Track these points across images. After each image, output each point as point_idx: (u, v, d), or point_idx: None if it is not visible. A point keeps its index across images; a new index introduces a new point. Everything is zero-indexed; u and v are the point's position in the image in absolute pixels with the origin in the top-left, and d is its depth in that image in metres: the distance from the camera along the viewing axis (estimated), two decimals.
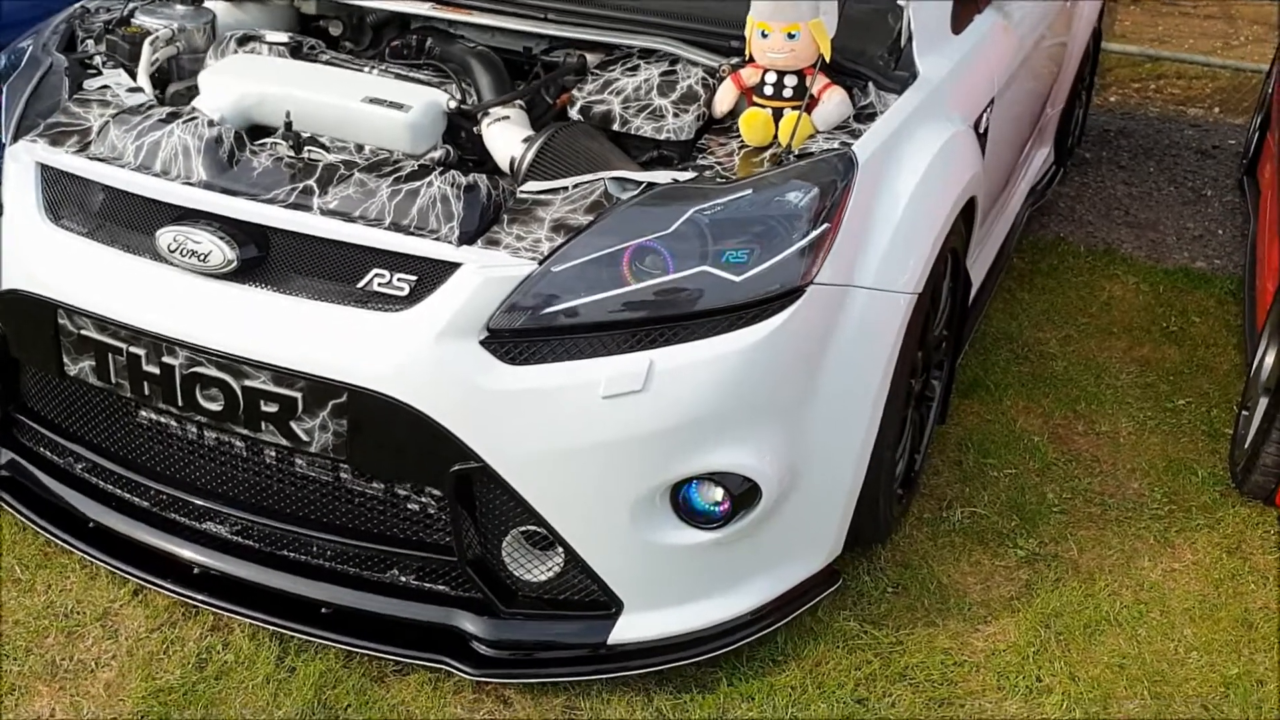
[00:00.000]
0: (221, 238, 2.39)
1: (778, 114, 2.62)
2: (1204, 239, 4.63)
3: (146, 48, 2.95)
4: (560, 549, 2.41)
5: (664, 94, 2.70)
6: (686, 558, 2.44)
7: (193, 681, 2.48)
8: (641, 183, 2.42)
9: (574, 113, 2.72)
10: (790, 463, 2.43)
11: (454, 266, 2.30)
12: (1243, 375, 3.67)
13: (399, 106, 2.66)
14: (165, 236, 2.42)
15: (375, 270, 2.35)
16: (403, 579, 2.53)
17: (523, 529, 2.42)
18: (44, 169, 2.63)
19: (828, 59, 2.61)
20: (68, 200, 2.61)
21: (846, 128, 2.65)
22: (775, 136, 2.61)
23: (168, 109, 2.66)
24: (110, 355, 2.50)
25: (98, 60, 2.95)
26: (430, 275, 2.31)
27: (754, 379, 2.33)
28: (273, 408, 2.39)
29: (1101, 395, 3.58)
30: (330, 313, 2.35)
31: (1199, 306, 4.10)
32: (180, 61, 3.06)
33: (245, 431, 2.44)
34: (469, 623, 2.47)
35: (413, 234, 2.34)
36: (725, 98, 2.70)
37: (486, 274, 2.28)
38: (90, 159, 2.58)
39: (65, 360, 2.57)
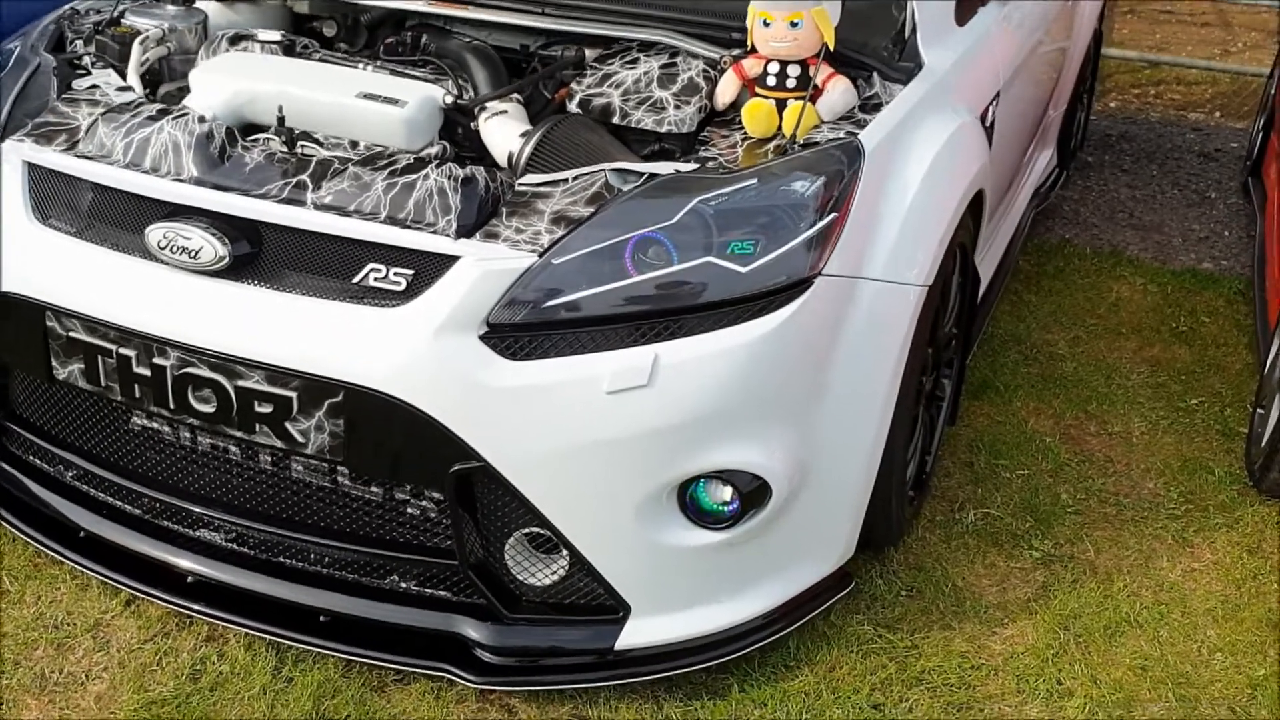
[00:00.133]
0: (213, 234, 2.32)
1: (781, 105, 2.55)
2: (1210, 240, 4.56)
3: (136, 47, 2.88)
4: (565, 551, 2.33)
5: (664, 86, 2.62)
6: (695, 559, 2.35)
7: (186, 693, 2.39)
8: (643, 174, 2.34)
9: (573, 106, 2.64)
10: (800, 460, 2.35)
11: (452, 260, 2.22)
12: (1255, 374, 3.60)
13: (394, 102, 2.59)
14: (155, 233, 2.35)
15: (371, 265, 2.27)
16: (403, 585, 2.44)
17: (526, 531, 2.33)
18: (31, 168, 2.55)
19: (831, 47, 2.54)
20: (55, 199, 2.53)
21: (852, 118, 2.58)
22: (779, 127, 2.54)
23: (157, 106, 2.58)
24: (100, 357, 2.42)
25: (87, 60, 2.88)
26: (427, 269, 2.24)
27: (762, 373, 2.25)
28: (267, 409, 2.31)
29: (1113, 396, 3.50)
30: (325, 309, 2.27)
31: (1208, 307, 4.02)
32: (171, 62, 2.99)
33: (239, 434, 2.36)
34: (471, 629, 2.38)
35: (409, 227, 2.27)
36: (727, 89, 2.63)
37: (485, 267, 2.21)
38: (78, 157, 2.50)
39: (54, 364, 2.48)
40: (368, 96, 2.60)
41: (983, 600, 2.71)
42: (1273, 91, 4.86)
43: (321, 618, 2.44)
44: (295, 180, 2.36)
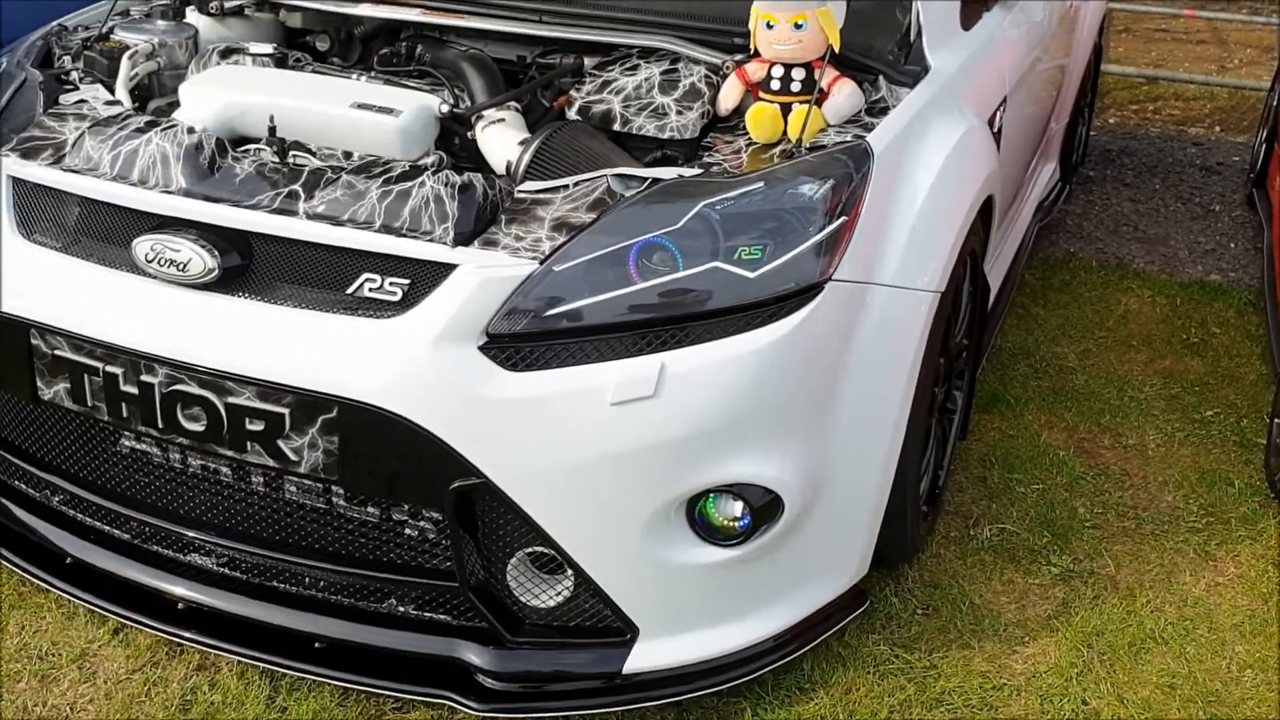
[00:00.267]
0: (202, 246, 2.22)
1: (786, 109, 2.46)
2: (1216, 252, 4.47)
3: (125, 62, 2.79)
4: (569, 571, 2.22)
5: (666, 92, 2.54)
6: (705, 578, 2.24)
7: None
8: (646, 179, 2.25)
9: (572, 114, 2.56)
10: (812, 472, 2.25)
11: (449, 268, 2.12)
12: (1270, 385, 3.50)
13: (389, 111, 2.50)
14: (142, 246, 2.25)
15: (366, 275, 2.17)
16: (401, 609, 2.32)
17: (529, 550, 2.22)
18: (16, 183, 2.46)
19: (837, 49, 2.45)
20: (40, 215, 2.43)
21: (859, 121, 2.49)
22: (784, 132, 2.46)
23: (145, 118, 2.49)
24: (86, 376, 2.32)
25: (74, 76, 2.79)
26: (424, 279, 2.14)
27: (772, 381, 2.15)
28: (258, 426, 2.20)
29: (1126, 408, 3.40)
30: (318, 322, 2.17)
31: (1218, 318, 3.93)
32: (162, 78, 2.90)
33: (230, 453, 2.25)
34: (473, 654, 2.27)
35: (405, 236, 2.17)
36: (730, 94, 2.54)
37: (484, 275, 2.11)
38: (64, 171, 2.41)
39: (39, 383, 2.38)
40: (362, 106, 2.52)
41: (1002, 618, 2.60)
42: (1274, 104, 4.79)
43: (317, 644, 2.32)
44: (287, 190, 2.27)
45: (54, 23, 3.04)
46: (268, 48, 2.85)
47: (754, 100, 2.50)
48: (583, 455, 2.10)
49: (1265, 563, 2.79)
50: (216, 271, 2.22)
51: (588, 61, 2.72)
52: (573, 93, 2.58)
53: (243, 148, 2.48)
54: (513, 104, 2.59)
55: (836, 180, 2.26)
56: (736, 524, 2.22)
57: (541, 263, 2.12)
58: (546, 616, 2.27)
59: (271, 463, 2.22)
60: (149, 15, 3.06)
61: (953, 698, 2.38)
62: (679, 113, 2.50)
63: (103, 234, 2.36)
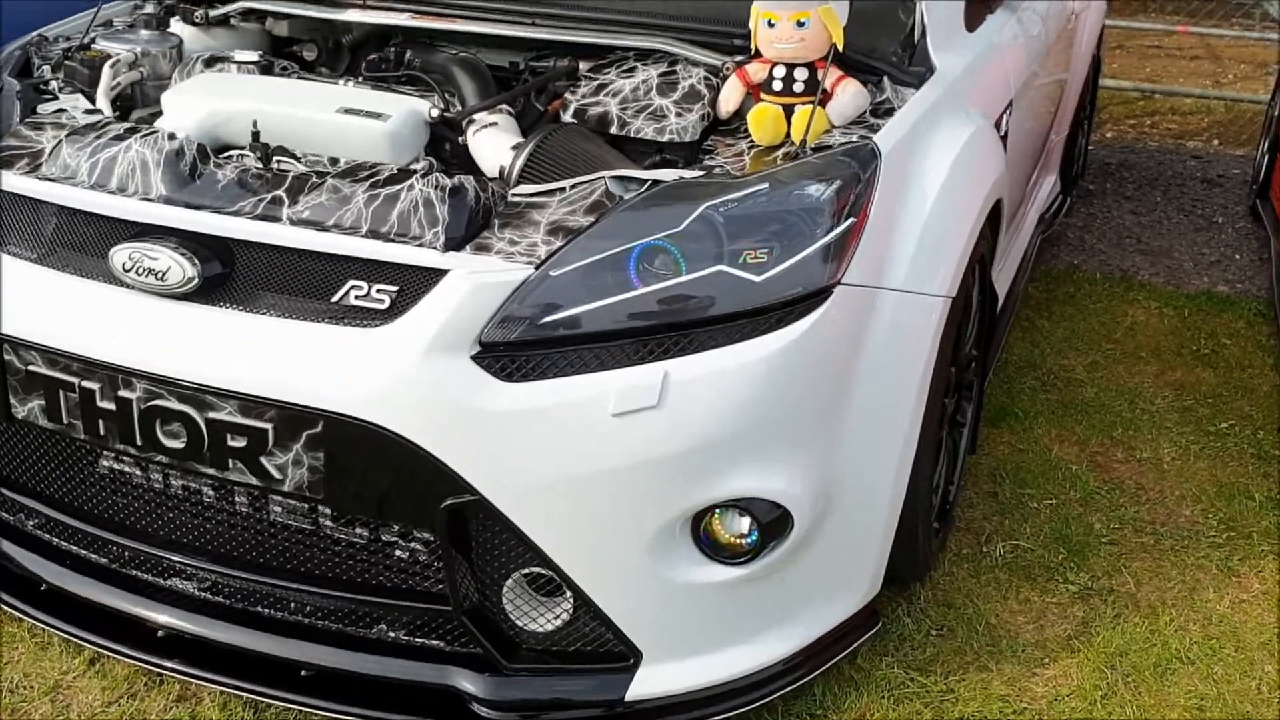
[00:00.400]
0: (181, 254, 2.10)
1: (789, 110, 2.35)
2: (1222, 264, 4.36)
3: (107, 70, 2.67)
4: (568, 593, 2.08)
5: (664, 94, 2.42)
6: (711, 599, 2.11)
7: None
8: (646, 180, 2.13)
9: (567, 117, 2.44)
10: (823, 485, 2.12)
11: (439, 274, 2.00)
12: None
13: (376, 116, 2.39)
14: (120, 255, 2.12)
15: (352, 282, 2.05)
16: (392, 634, 2.19)
17: (525, 571, 2.09)
18: None
19: (840, 48, 2.34)
20: (15, 225, 2.31)
21: (864, 122, 2.38)
22: (788, 133, 2.34)
23: (124, 125, 2.37)
24: (61, 392, 2.19)
25: (54, 85, 2.67)
26: (413, 285, 2.01)
27: (780, 390, 2.02)
28: (240, 442, 2.07)
29: (1138, 421, 3.27)
30: (302, 332, 2.04)
31: (1228, 329, 3.81)
32: (144, 88, 2.78)
33: (211, 471, 2.12)
34: (467, 681, 2.13)
35: (393, 241, 2.05)
36: (731, 96, 2.43)
37: (476, 281, 1.98)
38: (41, 179, 2.28)
39: (12, 401, 2.25)
40: (348, 111, 2.41)
41: (1019, 639, 2.46)
42: (1276, 115, 4.69)
43: (303, 672, 2.18)
44: (270, 196, 2.15)
45: (34, 33, 2.93)
46: (253, 55, 2.74)
47: (755, 102, 2.39)
48: (582, 470, 1.97)
49: None
50: (196, 280, 2.09)
51: (583, 65, 2.61)
52: (568, 95, 2.46)
53: (225, 154, 2.36)
54: (505, 108, 2.47)
55: (843, 181, 2.15)
56: (744, 541, 2.09)
57: (537, 268, 1.99)
58: (544, 641, 2.13)
59: (254, 481, 2.09)
60: (132, 25, 2.95)
61: None
62: (678, 115, 2.38)
63: (79, 244, 2.24)
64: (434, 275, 2.00)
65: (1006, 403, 3.33)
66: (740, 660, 2.16)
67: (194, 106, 2.47)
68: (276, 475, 2.07)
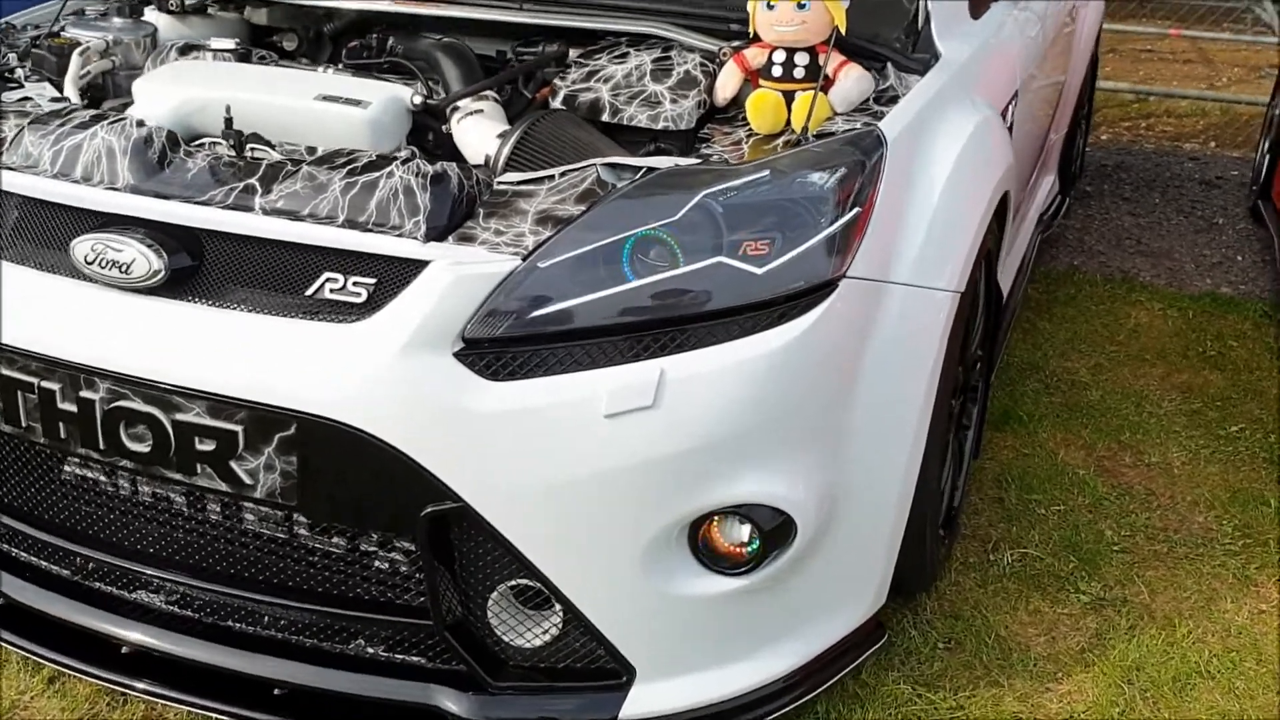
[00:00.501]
0: (148, 245, 1.95)
1: (789, 97, 2.21)
2: (1224, 265, 4.24)
3: (76, 58, 2.53)
4: (558, 606, 1.94)
5: (659, 80, 2.29)
6: (709, 612, 1.97)
7: None
8: (640, 168, 1.99)
9: (557, 104, 2.30)
10: (827, 490, 1.98)
11: (420, 266, 1.86)
12: None
13: (356, 103, 2.25)
14: (83, 247, 1.98)
15: (327, 275, 1.90)
16: (370, 650, 2.04)
17: (512, 583, 1.94)
18: None
19: (843, 30, 2.21)
20: None
21: (868, 110, 2.25)
22: (788, 121, 2.20)
23: (90, 112, 2.23)
24: (20, 393, 2.04)
25: (20, 74, 2.52)
26: (392, 278, 1.87)
27: (783, 389, 1.88)
28: (209, 445, 1.92)
29: (1145, 424, 3.14)
30: (274, 327, 1.90)
31: (1234, 331, 3.69)
32: (116, 77, 2.64)
33: (178, 476, 1.97)
34: (450, 700, 1.98)
35: (371, 231, 1.90)
36: (728, 83, 2.29)
37: (459, 273, 1.84)
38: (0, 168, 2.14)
39: None
40: (327, 99, 2.27)
41: (1031, 652, 2.33)
42: (1276, 115, 4.58)
43: (276, 691, 2.04)
44: (242, 184, 2.01)
45: (1, 20, 2.78)
46: (229, 43, 2.60)
47: (754, 88, 2.26)
48: (572, 474, 1.83)
49: None
50: (163, 273, 1.95)
51: (573, 51, 2.47)
52: (556, 82, 2.33)
53: (197, 142, 2.22)
54: (492, 95, 2.33)
55: (848, 169, 2.01)
56: (744, 550, 1.94)
57: (524, 259, 1.85)
58: (532, 657, 1.99)
59: (224, 487, 1.94)
60: (105, 13, 2.80)
61: None
62: (673, 101, 2.25)
63: (41, 236, 2.09)
64: (414, 267, 1.86)
65: (1010, 406, 3.20)
66: (739, 677, 2.02)
67: (166, 94, 2.33)
68: (247, 481, 1.92)
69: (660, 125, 2.23)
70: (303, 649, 2.05)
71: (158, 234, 1.97)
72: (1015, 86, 2.81)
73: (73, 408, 1.99)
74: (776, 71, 2.23)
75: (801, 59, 2.23)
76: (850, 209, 1.98)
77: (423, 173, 1.95)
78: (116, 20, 2.73)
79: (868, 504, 2.06)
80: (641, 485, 1.85)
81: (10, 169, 2.13)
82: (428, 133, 2.34)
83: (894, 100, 2.28)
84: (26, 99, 2.41)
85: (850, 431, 2.00)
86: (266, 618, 2.07)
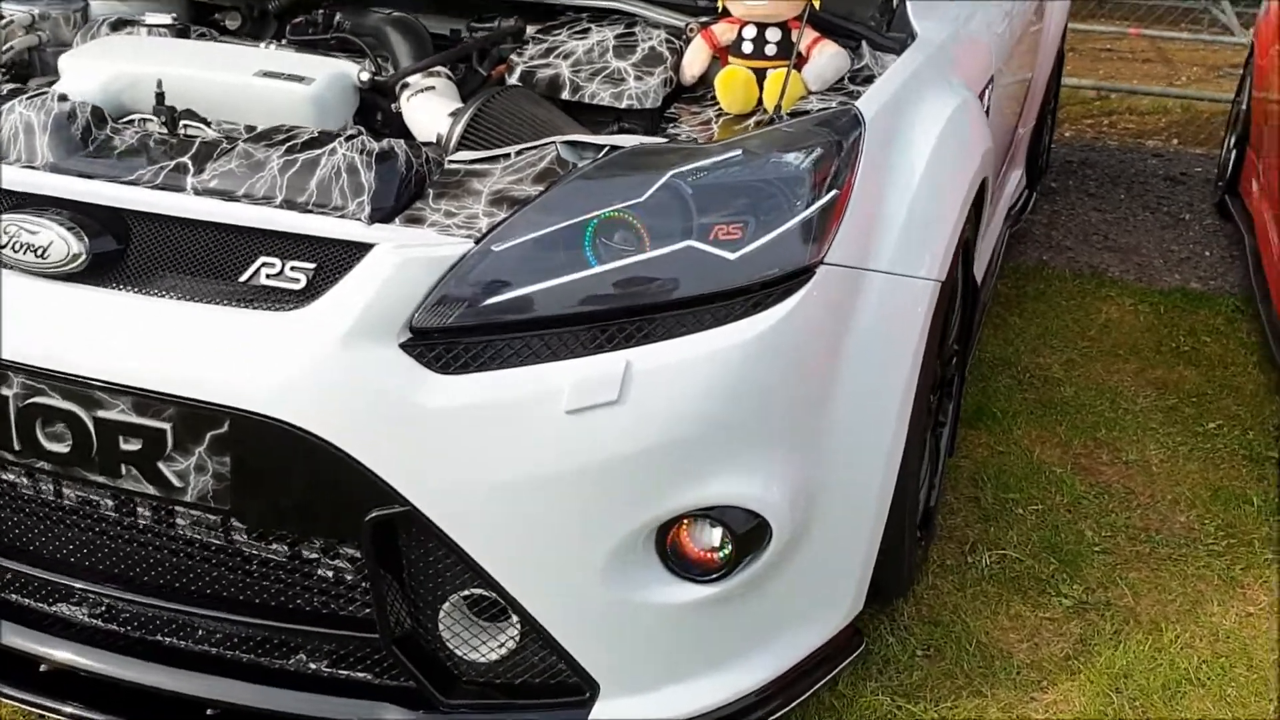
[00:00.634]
0: (68, 228, 1.77)
1: (760, 74, 2.07)
2: (1192, 260, 4.14)
3: None
4: (515, 618, 1.77)
5: (622, 57, 2.13)
6: (678, 621, 1.81)
7: None
8: (603, 146, 1.84)
9: (513, 81, 2.14)
10: (804, 490, 1.83)
11: (364, 249, 1.69)
12: (1273, 396, 3.15)
13: (299, 80, 2.09)
14: None
15: (263, 259, 1.73)
16: (312, 666, 1.87)
17: (465, 593, 1.78)
18: None
19: (817, 5, 2.07)
20: None
21: (843, 89, 2.10)
22: (759, 100, 2.06)
23: (7, 86, 2.04)
24: None
25: None
26: (333, 262, 1.71)
27: (757, 382, 1.73)
28: (134, 445, 1.75)
29: (1121, 421, 3.03)
30: (205, 316, 1.72)
31: (1207, 326, 3.59)
32: (43, 55, 2.46)
33: (101, 479, 1.79)
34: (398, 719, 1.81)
35: (311, 212, 1.74)
36: (696, 60, 2.15)
37: (406, 256, 1.68)
38: None
39: None
40: (268, 75, 2.11)
41: (1014, 659, 2.19)
42: (1244, 109, 4.49)
43: (210, 711, 1.86)
44: (173, 163, 1.83)
45: None
46: (166, 18, 2.42)
47: (723, 65, 2.11)
48: (530, 475, 1.67)
49: None
50: (84, 258, 1.77)
51: (531, 28, 2.31)
52: (513, 58, 2.17)
53: (125, 119, 2.04)
54: (444, 71, 2.17)
55: (824, 149, 1.87)
56: (716, 555, 1.79)
57: (477, 242, 1.69)
58: (488, 673, 1.82)
59: (151, 490, 1.77)
60: None
61: None
62: (638, 79, 2.09)
63: None
64: (357, 251, 1.69)
65: (983, 402, 3.07)
66: (710, 691, 1.87)
67: (95, 69, 2.16)
68: (177, 483, 1.75)
69: (624, 104, 2.08)
70: (239, 665, 1.88)
71: (79, 216, 1.79)
72: (991, 71, 2.68)
73: None
74: (747, 48, 2.09)
75: (773, 35, 2.09)
76: (827, 192, 1.83)
77: (367, 150, 1.78)
78: None
79: (846, 504, 1.92)
80: (605, 486, 1.69)
81: None
82: (376, 112, 2.18)
83: (869, 80, 2.14)
84: None
85: (828, 428, 1.85)
86: (200, 631, 1.90)
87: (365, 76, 2.12)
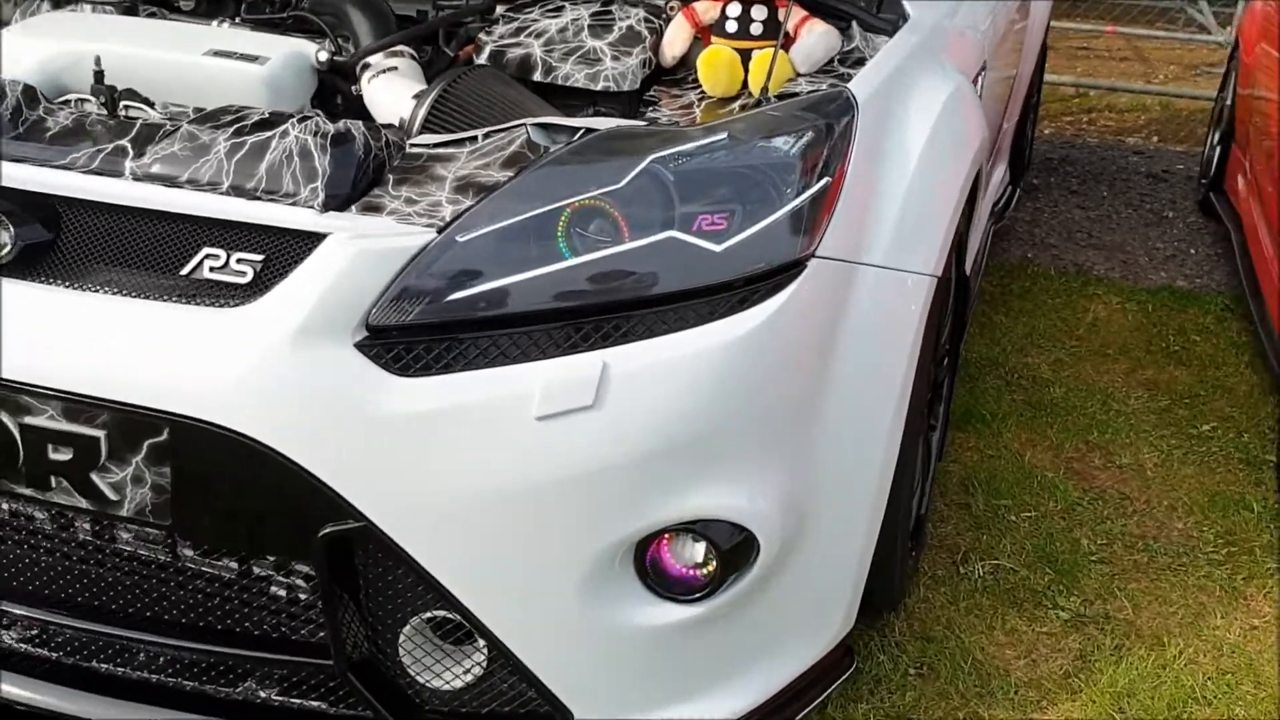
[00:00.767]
0: None
1: (745, 55, 1.92)
2: (1178, 258, 4.03)
3: None
4: (481, 641, 1.62)
5: (598, 36, 1.98)
6: (658, 644, 1.66)
7: None
8: (577, 129, 1.68)
9: (482, 61, 1.98)
10: (794, 501, 1.68)
11: (316, 240, 1.53)
12: (1268, 396, 3.04)
13: (253, 59, 1.93)
14: None
15: (206, 250, 1.57)
16: (262, 694, 1.70)
17: (428, 615, 1.62)
18: None
19: None
20: None
21: (833, 71, 1.97)
22: (745, 82, 1.91)
23: None
24: None
25: None
26: (283, 254, 1.55)
27: (744, 385, 1.59)
28: (65, 455, 1.58)
29: (1113, 423, 2.90)
30: (143, 313, 1.56)
31: (1196, 325, 3.47)
32: None
33: (29, 492, 1.63)
34: None
35: (260, 199, 1.58)
36: (677, 39, 2.01)
37: (362, 247, 1.52)
38: None
39: None
40: (219, 54, 1.95)
41: (1011, 677, 2.06)
42: (1228, 104, 4.38)
43: None
44: (111, 146, 1.67)
45: None
46: None
47: (705, 45, 1.96)
48: (497, 487, 1.52)
49: None
50: (9, 248, 1.61)
51: (500, 6, 2.15)
52: (482, 37, 2.01)
53: (62, 99, 1.87)
54: (407, 51, 2.01)
55: (815, 134, 1.72)
56: (699, 572, 1.64)
57: (440, 232, 1.54)
58: (452, 701, 1.66)
59: (84, 503, 1.60)
60: None
61: None
62: (615, 59, 1.95)
63: None
64: (309, 241, 1.54)
65: (971, 404, 2.94)
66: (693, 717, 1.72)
67: (32, 47, 2.00)
68: (112, 496, 1.59)
69: (600, 86, 1.93)
70: (182, 694, 1.71)
71: (4, 203, 1.63)
72: (984, 57, 2.55)
73: None
74: (731, 27, 1.95)
75: (759, 13, 1.95)
76: (818, 180, 1.69)
77: (322, 132, 1.62)
78: None
79: (838, 515, 1.77)
80: (579, 499, 1.54)
81: None
82: (336, 95, 2.03)
83: (860, 63, 2.01)
84: None
85: (819, 433, 1.71)
86: (142, 656, 1.73)
87: (324, 57, 1.97)
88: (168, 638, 1.69)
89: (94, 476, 1.58)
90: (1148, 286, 3.75)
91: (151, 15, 2.26)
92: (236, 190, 1.59)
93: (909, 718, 1.95)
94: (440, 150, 1.67)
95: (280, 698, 1.68)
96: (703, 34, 1.98)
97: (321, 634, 1.63)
